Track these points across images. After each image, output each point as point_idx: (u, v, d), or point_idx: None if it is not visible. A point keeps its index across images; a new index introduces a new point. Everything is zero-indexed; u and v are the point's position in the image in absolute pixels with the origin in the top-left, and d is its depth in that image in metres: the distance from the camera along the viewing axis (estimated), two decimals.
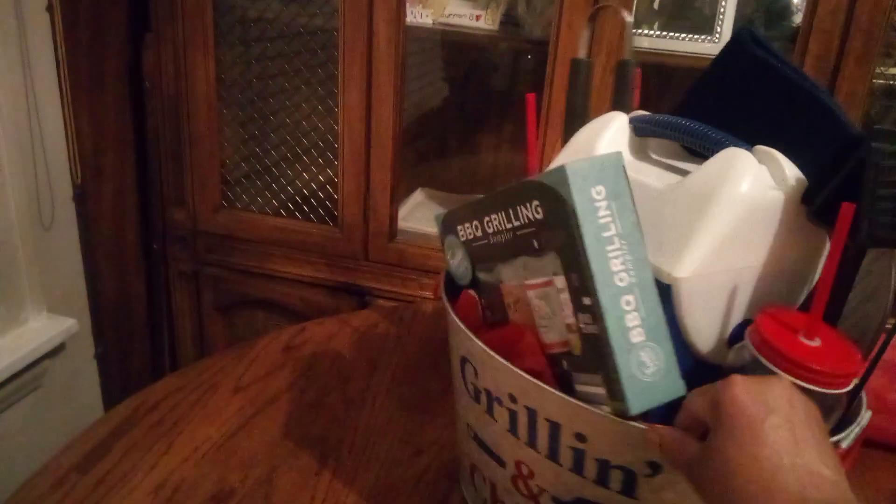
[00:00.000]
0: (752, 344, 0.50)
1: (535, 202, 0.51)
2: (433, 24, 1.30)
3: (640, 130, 0.61)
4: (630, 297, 0.49)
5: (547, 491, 0.56)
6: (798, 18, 1.13)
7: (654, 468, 0.49)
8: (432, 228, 1.41)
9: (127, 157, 1.44)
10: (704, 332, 0.54)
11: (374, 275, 1.37)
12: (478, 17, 1.28)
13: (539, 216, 0.51)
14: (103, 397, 1.52)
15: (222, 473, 0.72)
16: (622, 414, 0.48)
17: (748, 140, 0.54)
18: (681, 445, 0.45)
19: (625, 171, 0.49)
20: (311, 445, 0.77)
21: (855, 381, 0.48)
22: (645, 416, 0.50)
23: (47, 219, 1.27)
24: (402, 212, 1.46)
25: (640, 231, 0.50)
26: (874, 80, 1.09)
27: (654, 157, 0.63)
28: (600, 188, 0.49)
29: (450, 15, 1.29)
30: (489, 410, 0.57)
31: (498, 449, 0.58)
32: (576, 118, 0.73)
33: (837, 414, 0.49)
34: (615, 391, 0.48)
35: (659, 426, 0.47)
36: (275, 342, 0.96)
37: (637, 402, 0.48)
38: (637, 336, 0.48)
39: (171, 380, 0.87)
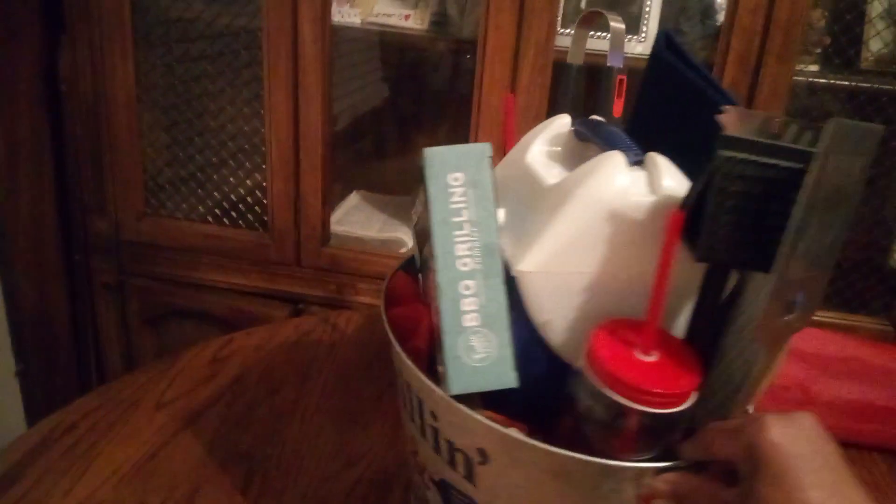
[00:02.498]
0: (584, 356, 0.48)
1: (422, 185, 0.53)
2: (361, 23, 1.27)
3: (577, 134, 0.61)
4: (470, 283, 0.50)
5: (427, 468, 0.56)
6: (722, 17, 1.14)
7: (483, 456, 0.49)
8: (367, 232, 1.40)
9: (44, 165, 1.37)
10: (558, 331, 0.53)
11: (307, 281, 1.34)
12: (407, 17, 1.26)
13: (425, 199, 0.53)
14: (27, 416, 1.45)
15: (142, 496, 0.69)
16: (449, 393, 0.49)
17: (666, 148, 0.53)
18: (707, 493, 0.44)
19: (490, 163, 0.51)
20: (236, 462, 0.74)
21: (692, 400, 0.47)
22: (492, 404, 0.51)
23: None
24: (337, 215, 1.44)
25: (496, 221, 0.51)
26: (795, 78, 1.11)
27: (580, 160, 0.62)
28: (459, 175, 0.51)
29: (378, 14, 1.27)
30: (398, 384, 0.59)
31: (405, 422, 0.60)
32: None
33: (675, 434, 0.47)
34: (444, 371, 0.50)
35: (670, 474, 0.46)
36: (200, 355, 0.93)
37: (458, 384, 0.49)
38: (471, 320, 0.50)
39: (90, 398, 0.83)
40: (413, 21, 1.26)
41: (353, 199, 1.57)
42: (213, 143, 1.41)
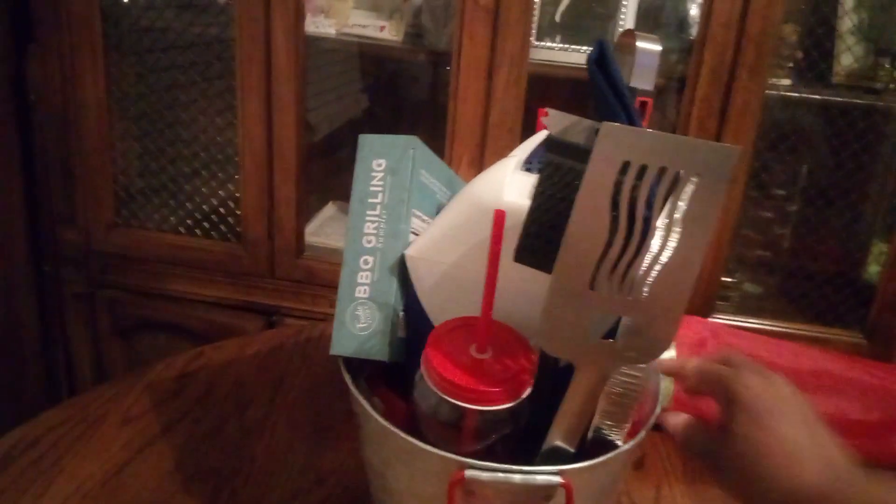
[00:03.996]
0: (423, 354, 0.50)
1: None
2: (336, 34, 1.27)
3: None
4: (370, 258, 0.54)
5: None
6: (695, 31, 1.15)
7: (358, 418, 0.53)
8: (342, 243, 1.39)
9: (12, 175, 1.35)
10: (441, 314, 0.55)
11: (280, 293, 1.32)
12: (382, 28, 1.26)
13: None
14: None
15: None
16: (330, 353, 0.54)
17: None
18: (703, 432, 0.49)
19: (413, 155, 0.56)
20: (203, 479, 0.72)
21: (516, 399, 0.47)
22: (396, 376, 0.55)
23: None
24: (312, 226, 1.42)
25: (407, 208, 0.55)
26: (767, 92, 1.12)
27: None
28: (381, 161, 0.55)
29: (353, 25, 1.26)
30: None
31: None
32: None
33: (504, 429, 0.48)
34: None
35: (678, 413, 0.51)
36: (168, 369, 0.91)
37: (337, 346, 0.54)
38: (361, 292, 0.54)
39: (54, 413, 0.81)
40: (388, 32, 1.26)
41: (330, 209, 1.56)
42: (186, 153, 1.39)
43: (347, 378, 0.53)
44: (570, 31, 1.21)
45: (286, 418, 0.83)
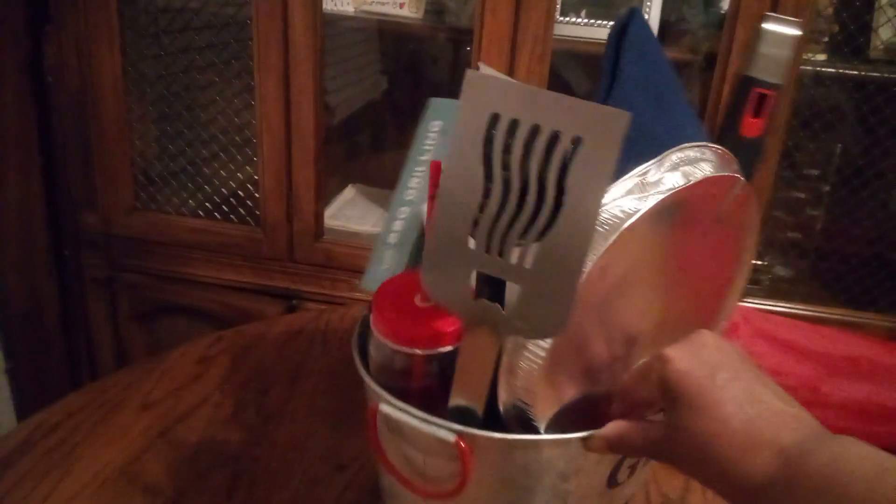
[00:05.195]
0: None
1: None
2: (355, 11, 1.24)
3: None
4: (405, 210, 0.59)
5: None
6: (726, 4, 1.11)
7: None
8: (362, 227, 1.37)
9: (31, 158, 1.34)
10: None
11: (300, 276, 1.31)
12: (401, 5, 1.23)
13: None
14: (17, 415, 1.43)
15: (123, 501, 0.66)
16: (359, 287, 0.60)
17: None
18: (642, 434, 0.45)
19: None
20: (222, 466, 0.71)
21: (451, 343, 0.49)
22: None
23: None
24: (331, 210, 1.41)
25: None
26: (802, 67, 1.08)
27: None
28: (438, 123, 0.60)
29: (372, 2, 1.24)
30: None
31: None
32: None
33: (430, 376, 0.50)
34: None
35: (601, 431, 0.46)
36: (188, 353, 0.90)
37: (367, 283, 0.59)
38: (392, 239, 0.60)
39: (74, 398, 0.81)
40: (408, 9, 1.23)
41: (349, 192, 1.54)
42: (204, 135, 1.38)
43: (356, 335, 0.55)
44: (596, 7, 1.18)
45: (306, 404, 0.82)
